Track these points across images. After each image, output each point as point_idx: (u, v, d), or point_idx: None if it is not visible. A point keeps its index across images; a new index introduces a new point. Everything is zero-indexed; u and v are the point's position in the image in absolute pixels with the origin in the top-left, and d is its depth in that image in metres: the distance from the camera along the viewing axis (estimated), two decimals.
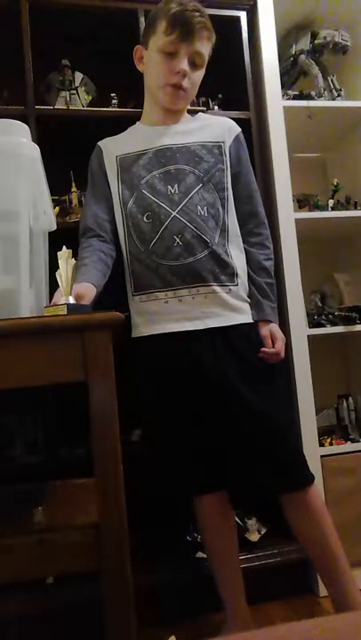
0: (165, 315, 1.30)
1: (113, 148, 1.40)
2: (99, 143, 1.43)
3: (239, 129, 1.43)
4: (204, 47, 1.32)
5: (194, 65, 1.32)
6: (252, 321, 1.33)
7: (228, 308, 1.30)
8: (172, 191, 1.31)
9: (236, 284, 1.32)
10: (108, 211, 1.38)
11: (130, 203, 1.34)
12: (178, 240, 1.28)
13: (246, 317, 1.33)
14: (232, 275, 1.32)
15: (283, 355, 1.35)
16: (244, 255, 1.38)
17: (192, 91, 1.36)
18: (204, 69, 1.36)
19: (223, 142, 1.38)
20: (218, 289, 1.29)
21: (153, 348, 1.32)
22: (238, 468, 1.28)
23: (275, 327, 1.36)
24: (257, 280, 1.36)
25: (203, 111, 1.65)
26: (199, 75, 1.36)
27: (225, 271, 1.31)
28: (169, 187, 1.31)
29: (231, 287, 1.31)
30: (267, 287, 1.37)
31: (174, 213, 1.29)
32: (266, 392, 1.27)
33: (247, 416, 1.24)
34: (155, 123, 1.39)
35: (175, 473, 1.34)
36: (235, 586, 1.39)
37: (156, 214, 1.30)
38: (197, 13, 1.29)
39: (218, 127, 1.40)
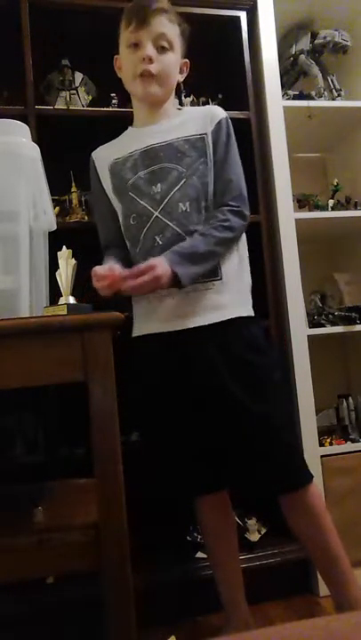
0: (150, 315, 1.29)
1: (104, 155, 1.39)
2: (92, 154, 1.42)
3: (222, 115, 1.34)
4: (166, 28, 1.30)
5: (162, 49, 1.30)
6: (239, 316, 1.27)
7: (210, 307, 1.25)
8: (156, 191, 1.29)
9: (220, 278, 1.26)
10: (115, 218, 1.37)
11: (121, 207, 1.34)
12: (158, 240, 1.25)
13: (229, 313, 1.25)
14: (214, 270, 1.26)
15: (144, 281, 1.13)
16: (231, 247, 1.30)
17: (165, 75, 1.32)
18: (176, 53, 1.33)
19: (206, 134, 1.32)
20: (200, 286, 1.25)
21: (144, 348, 1.32)
22: (237, 469, 1.28)
23: (157, 259, 1.17)
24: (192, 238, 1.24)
25: None
26: (170, 58, 1.32)
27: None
28: (153, 187, 1.29)
29: (215, 282, 1.26)
30: (189, 246, 1.21)
31: (156, 213, 1.28)
32: (262, 391, 1.25)
33: (243, 416, 1.23)
34: (142, 124, 1.38)
35: (175, 474, 1.34)
36: (235, 586, 1.39)
37: (140, 216, 1.29)
38: (153, 1, 1.29)
39: (200, 119, 1.33)
